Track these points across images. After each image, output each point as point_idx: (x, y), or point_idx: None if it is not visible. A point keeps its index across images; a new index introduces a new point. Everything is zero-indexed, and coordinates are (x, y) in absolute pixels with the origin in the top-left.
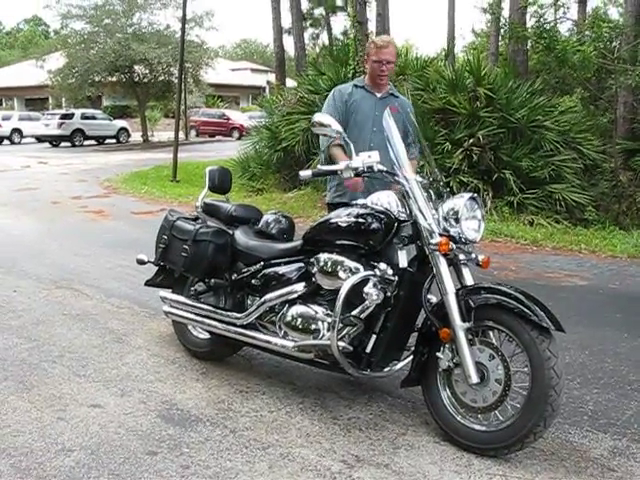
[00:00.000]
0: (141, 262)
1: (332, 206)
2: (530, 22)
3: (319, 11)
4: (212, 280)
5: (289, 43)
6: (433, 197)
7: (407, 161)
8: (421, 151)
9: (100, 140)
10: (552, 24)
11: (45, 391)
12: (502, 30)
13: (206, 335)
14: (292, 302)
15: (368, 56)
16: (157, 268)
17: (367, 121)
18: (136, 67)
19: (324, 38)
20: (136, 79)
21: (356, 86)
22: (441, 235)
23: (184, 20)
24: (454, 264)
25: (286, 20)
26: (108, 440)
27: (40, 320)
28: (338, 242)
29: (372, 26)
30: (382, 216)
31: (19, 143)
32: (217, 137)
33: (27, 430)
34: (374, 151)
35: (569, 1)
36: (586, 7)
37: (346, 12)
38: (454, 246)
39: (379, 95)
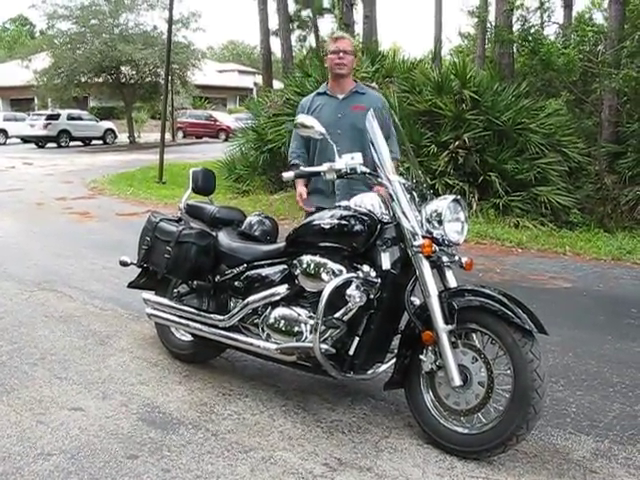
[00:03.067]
0: (124, 264)
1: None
2: (516, 25)
3: (306, 13)
4: (195, 282)
5: (276, 45)
6: (416, 199)
7: (390, 163)
8: (405, 153)
9: (86, 141)
10: (537, 28)
11: (25, 394)
12: (488, 33)
13: (189, 337)
14: (275, 304)
15: (327, 54)
16: (140, 270)
17: (329, 126)
18: (123, 68)
19: (311, 40)
20: (123, 80)
21: (318, 94)
22: (424, 237)
23: (171, 21)
24: (437, 266)
25: (273, 22)
26: (88, 444)
27: (22, 322)
28: (321, 244)
29: (359, 28)
30: (365, 218)
31: (4, 144)
32: (204, 138)
33: (5, 434)
34: (357, 153)
35: (553, 5)
36: (572, 11)
37: (333, 14)
38: (437, 248)
39: (341, 97)
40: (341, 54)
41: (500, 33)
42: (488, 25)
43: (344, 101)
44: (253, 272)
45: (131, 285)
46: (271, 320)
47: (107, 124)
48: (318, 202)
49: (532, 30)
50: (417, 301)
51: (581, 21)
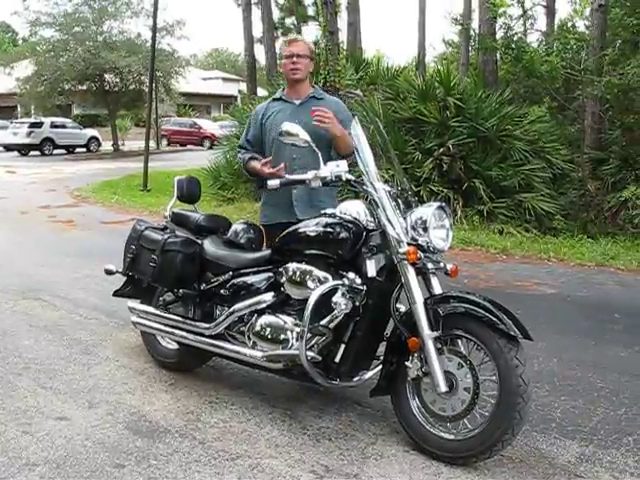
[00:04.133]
0: (109, 272)
1: (265, 227)
2: (500, 32)
3: (290, 20)
4: (181, 290)
5: (260, 52)
6: (401, 206)
7: (375, 170)
8: (389, 160)
9: (70, 149)
10: (520, 35)
11: (10, 404)
12: (472, 41)
13: (175, 346)
14: (261, 312)
15: (282, 59)
16: (125, 278)
17: None
18: (106, 76)
19: None
20: (106, 88)
21: (274, 99)
22: (409, 244)
23: (155, 29)
24: (422, 273)
25: (257, 29)
26: (74, 453)
27: (6, 332)
28: (307, 252)
29: (343, 36)
30: (350, 225)
31: None
32: (188, 146)
33: None
34: (342, 160)
35: (536, 13)
36: (554, 19)
37: (317, 22)
38: (422, 255)
39: (298, 102)
40: (294, 58)
41: (483, 41)
42: (472, 33)
43: (301, 107)
44: (239, 280)
45: (116, 294)
46: (257, 328)
47: (91, 132)
48: (273, 216)
49: (515, 38)
50: (403, 308)
51: (563, 29)
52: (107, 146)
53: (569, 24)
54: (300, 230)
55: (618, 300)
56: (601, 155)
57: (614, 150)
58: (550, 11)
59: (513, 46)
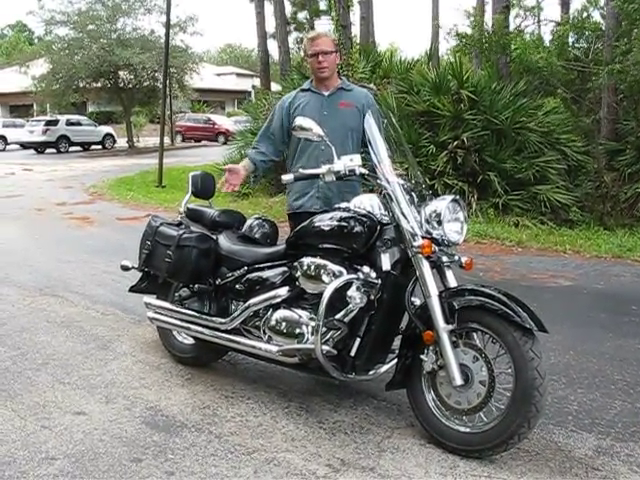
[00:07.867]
0: (125, 268)
1: (289, 216)
2: (513, 24)
3: (303, 15)
4: (196, 285)
5: (273, 47)
6: (416, 200)
7: (389, 163)
8: (403, 153)
9: (85, 146)
10: (517, 31)
11: (29, 399)
12: (483, 39)
13: (191, 341)
14: (276, 306)
15: (305, 55)
16: (141, 274)
17: None
18: (121, 73)
19: None
20: (121, 85)
21: (303, 90)
22: (424, 238)
23: (168, 25)
24: (437, 266)
25: (270, 24)
26: (92, 447)
27: (24, 328)
28: (321, 246)
29: (356, 30)
30: (365, 219)
31: (3, 150)
32: (203, 142)
33: (10, 439)
34: (355, 154)
35: (547, 5)
36: (569, 9)
37: (330, 16)
38: (437, 248)
39: (327, 93)
40: (320, 57)
41: (489, 41)
42: (485, 27)
43: (330, 98)
44: (254, 275)
45: (132, 289)
46: (272, 322)
47: (106, 129)
48: (300, 204)
49: (512, 34)
50: (417, 301)
51: (561, 23)
52: (122, 143)
53: (584, 14)
54: (314, 224)
55: (635, 292)
56: (617, 146)
57: (630, 141)
58: (564, 1)
59: (513, 45)
